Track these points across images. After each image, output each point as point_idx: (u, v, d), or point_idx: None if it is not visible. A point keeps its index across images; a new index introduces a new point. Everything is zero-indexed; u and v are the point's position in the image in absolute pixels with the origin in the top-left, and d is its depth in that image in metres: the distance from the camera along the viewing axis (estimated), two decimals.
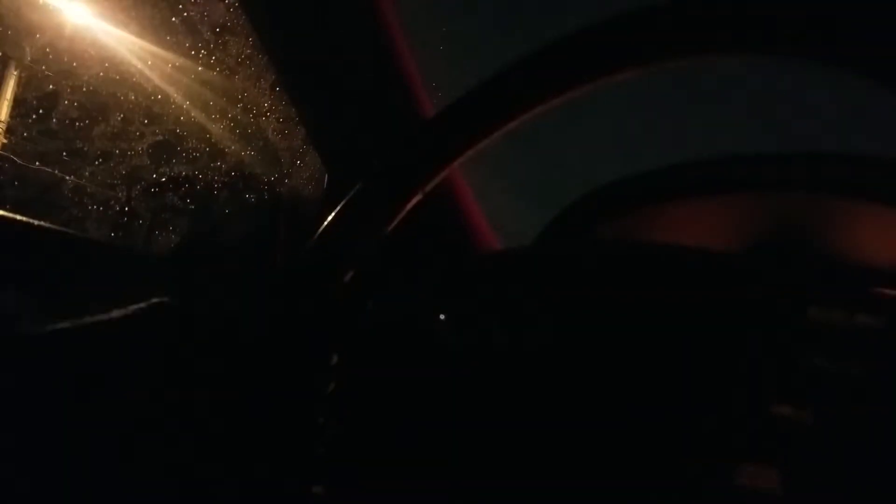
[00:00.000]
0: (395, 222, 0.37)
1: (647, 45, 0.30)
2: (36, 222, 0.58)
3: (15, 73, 5.30)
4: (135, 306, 0.40)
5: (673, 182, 0.44)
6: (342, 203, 0.38)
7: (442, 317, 0.34)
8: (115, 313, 0.40)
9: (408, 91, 0.67)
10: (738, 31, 0.29)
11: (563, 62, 0.32)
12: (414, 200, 0.36)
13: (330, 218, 0.38)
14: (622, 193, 0.46)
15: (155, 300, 0.42)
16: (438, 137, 0.36)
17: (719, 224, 0.44)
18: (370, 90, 0.68)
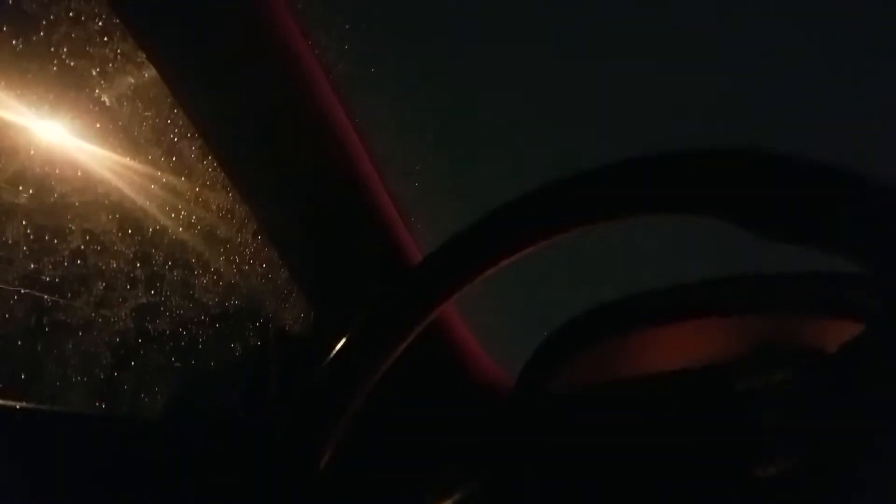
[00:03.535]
0: (394, 359, 0.36)
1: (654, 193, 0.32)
2: (18, 405, 0.57)
3: None
4: None
5: (659, 305, 0.46)
6: (337, 349, 0.37)
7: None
8: None
9: (388, 226, 0.69)
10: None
11: (552, 205, 0.34)
12: (412, 337, 0.36)
13: (325, 363, 0.37)
14: (606, 320, 0.48)
15: None
16: (432, 279, 0.37)
17: (701, 343, 0.46)
18: (350, 226, 0.70)
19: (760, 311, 0.44)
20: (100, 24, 0.75)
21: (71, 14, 0.75)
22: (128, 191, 1.10)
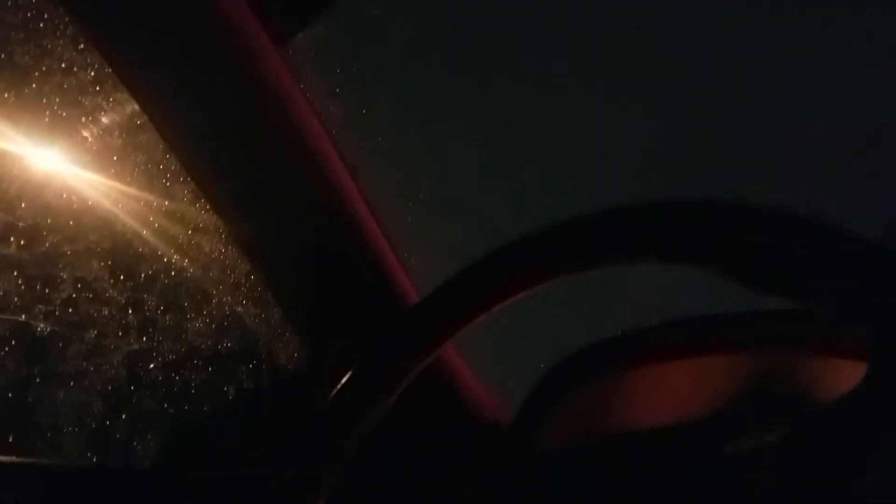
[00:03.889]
0: (389, 404, 0.36)
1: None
2: (9, 459, 0.55)
3: None
4: None
5: (651, 343, 0.46)
6: (333, 395, 0.37)
7: None
8: None
9: (381, 263, 0.69)
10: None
11: (550, 249, 0.34)
12: (408, 381, 0.36)
13: (322, 409, 0.37)
14: (599, 359, 0.48)
15: None
16: (431, 322, 0.36)
17: (698, 381, 0.46)
18: (344, 265, 0.70)
19: (757, 348, 0.43)
20: (92, 73, 0.76)
21: (63, 65, 0.76)
22: (119, 237, 1.10)
